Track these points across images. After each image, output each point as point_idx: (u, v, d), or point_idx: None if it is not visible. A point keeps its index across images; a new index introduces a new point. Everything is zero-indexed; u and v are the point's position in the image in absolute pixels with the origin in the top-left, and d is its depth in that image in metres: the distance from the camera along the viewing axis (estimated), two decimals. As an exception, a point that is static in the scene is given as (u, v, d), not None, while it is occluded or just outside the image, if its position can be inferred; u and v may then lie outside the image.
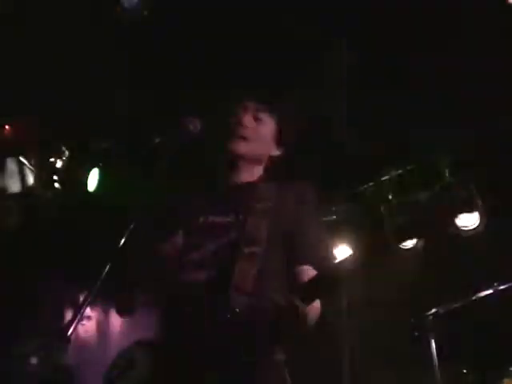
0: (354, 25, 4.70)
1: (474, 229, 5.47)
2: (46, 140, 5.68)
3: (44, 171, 5.69)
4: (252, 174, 3.08)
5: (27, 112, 5.42)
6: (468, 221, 5.48)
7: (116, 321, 6.03)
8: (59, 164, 5.72)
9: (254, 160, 3.08)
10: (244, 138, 3.02)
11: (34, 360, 5.02)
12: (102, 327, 6.00)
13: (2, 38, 4.91)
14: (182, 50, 4.95)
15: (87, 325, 5.84)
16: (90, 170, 5.72)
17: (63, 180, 5.75)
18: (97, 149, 5.77)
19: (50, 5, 4.80)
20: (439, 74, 4.93)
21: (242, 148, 3.02)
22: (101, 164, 5.71)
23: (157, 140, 2.86)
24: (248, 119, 3.06)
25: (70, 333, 2.46)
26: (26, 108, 5.40)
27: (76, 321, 2.49)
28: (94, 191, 5.67)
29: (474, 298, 5.04)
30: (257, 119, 3.07)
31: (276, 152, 3.12)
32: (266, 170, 3.12)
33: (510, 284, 4.87)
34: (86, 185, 5.69)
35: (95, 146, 5.77)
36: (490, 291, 4.93)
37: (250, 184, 3.04)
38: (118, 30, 4.91)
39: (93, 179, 5.71)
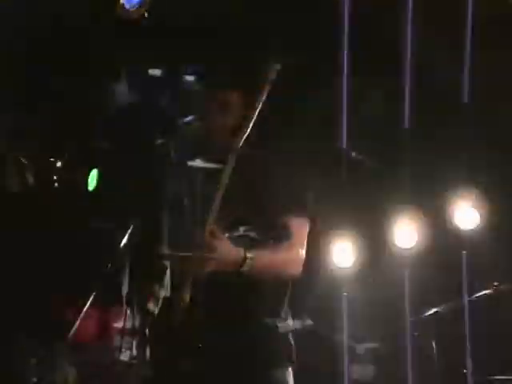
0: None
1: (474, 228, 5.47)
2: (45, 140, 5.68)
3: (44, 171, 5.69)
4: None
5: (27, 111, 5.42)
6: (468, 220, 5.48)
7: (116, 321, 6.02)
8: (59, 164, 5.72)
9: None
10: (210, 131, 2.85)
11: (33, 360, 5.02)
12: (102, 327, 5.99)
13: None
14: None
15: (87, 325, 5.83)
16: (90, 170, 5.71)
17: (63, 180, 5.74)
18: (97, 149, 5.77)
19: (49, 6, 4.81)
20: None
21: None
22: (101, 164, 5.71)
23: (159, 141, 2.85)
24: (213, 107, 2.86)
25: (70, 333, 2.46)
26: (25, 107, 5.40)
27: (76, 321, 2.49)
28: (94, 191, 5.67)
29: (473, 298, 5.05)
30: (222, 105, 2.86)
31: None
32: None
33: (510, 285, 4.88)
34: (85, 185, 5.69)
35: (95, 146, 5.77)
36: (490, 291, 4.94)
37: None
38: (117, 29, 4.91)
39: (93, 179, 5.71)
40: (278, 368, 2.81)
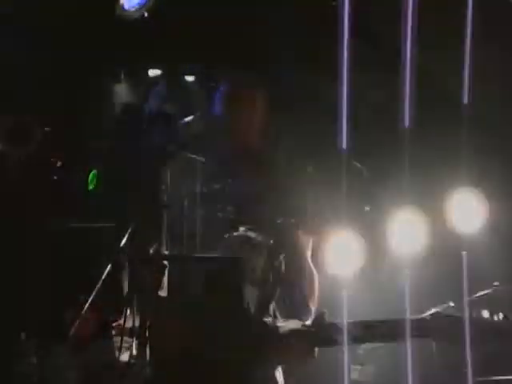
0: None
1: (474, 229, 5.46)
2: (46, 140, 5.69)
3: (44, 171, 5.69)
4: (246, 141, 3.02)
5: (27, 111, 5.43)
6: (468, 221, 5.48)
7: (116, 321, 6.02)
8: (59, 164, 5.72)
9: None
10: (234, 128, 2.97)
11: (33, 360, 5.02)
12: (102, 327, 5.98)
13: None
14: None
15: (87, 325, 5.84)
16: (90, 170, 5.71)
17: (63, 180, 5.74)
18: (97, 149, 5.77)
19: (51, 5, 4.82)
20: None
21: (233, 141, 2.96)
22: (101, 164, 5.71)
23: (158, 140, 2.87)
24: (236, 105, 2.99)
25: (69, 333, 2.46)
26: (25, 107, 5.41)
27: (76, 321, 2.49)
28: (94, 191, 5.67)
29: (473, 298, 5.05)
30: (243, 104, 2.99)
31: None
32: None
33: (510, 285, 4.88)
34: (85, 185, 5.69)
35: (95, 146, 5.78)
36: (490, 291, 4.94)
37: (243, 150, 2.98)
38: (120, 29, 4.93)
39: (93, 179, 5.70)
40: (267, 367, 2.82)
